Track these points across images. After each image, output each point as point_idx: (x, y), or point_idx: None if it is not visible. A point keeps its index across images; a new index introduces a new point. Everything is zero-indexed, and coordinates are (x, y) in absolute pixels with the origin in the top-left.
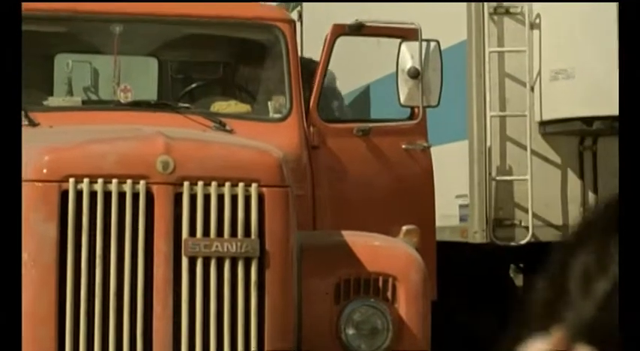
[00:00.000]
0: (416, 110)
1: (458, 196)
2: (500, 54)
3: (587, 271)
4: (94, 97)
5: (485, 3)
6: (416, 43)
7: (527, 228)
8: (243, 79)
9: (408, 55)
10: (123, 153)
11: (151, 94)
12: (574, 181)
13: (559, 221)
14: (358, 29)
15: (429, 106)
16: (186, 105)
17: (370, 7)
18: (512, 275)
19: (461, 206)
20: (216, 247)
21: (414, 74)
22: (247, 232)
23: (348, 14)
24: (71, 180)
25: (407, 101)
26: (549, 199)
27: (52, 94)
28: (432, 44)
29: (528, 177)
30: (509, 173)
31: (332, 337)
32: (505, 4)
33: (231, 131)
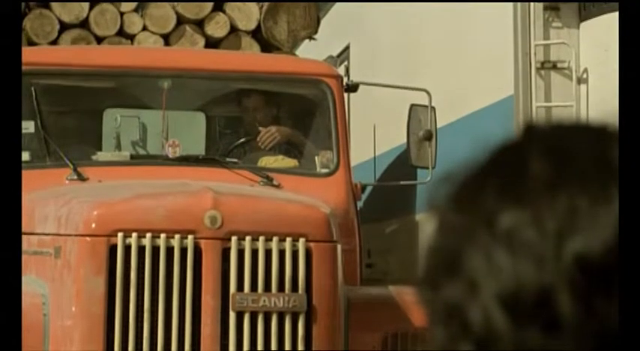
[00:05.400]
0: None
1: None
2: (548, 109)
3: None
4: (142, 152)
5: (533, 58)
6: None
7: None
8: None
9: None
10: (171, 208)
11: (199, 148)
12: None
13: None
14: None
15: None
16: (234, 160)
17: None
18: None
19: None
20: (264, 301)
21: (428, 136)
22: (295, 287)
23: (395, 71)
24: (120, 234)
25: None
26: None
27: (100, 149)
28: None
29: None
30: None
31: None
32: (552, 59)
33: (278, 186)
